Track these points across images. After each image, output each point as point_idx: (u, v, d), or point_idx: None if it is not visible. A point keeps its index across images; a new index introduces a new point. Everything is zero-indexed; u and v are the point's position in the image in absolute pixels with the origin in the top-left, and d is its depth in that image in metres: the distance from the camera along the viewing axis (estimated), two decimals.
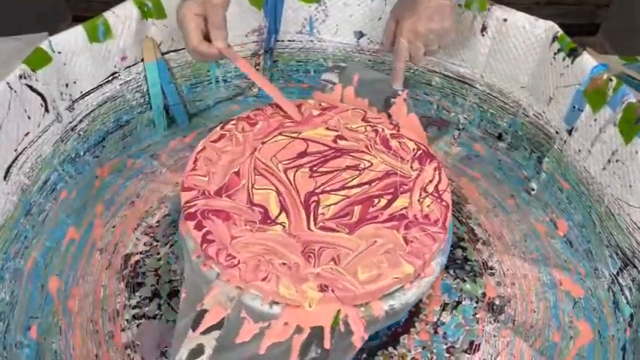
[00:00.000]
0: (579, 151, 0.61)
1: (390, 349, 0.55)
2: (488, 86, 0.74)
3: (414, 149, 0.59)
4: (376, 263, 0.48)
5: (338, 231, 0.50)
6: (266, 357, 0.45)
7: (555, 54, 0.63)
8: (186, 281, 0.50)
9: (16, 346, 0.51)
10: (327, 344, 0.45)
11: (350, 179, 0.55)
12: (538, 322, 0.57)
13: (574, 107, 0.61)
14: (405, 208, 0.53)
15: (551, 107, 0.66)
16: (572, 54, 0.61)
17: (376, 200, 0.53)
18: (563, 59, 0.62)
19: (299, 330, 0.45)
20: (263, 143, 0.59)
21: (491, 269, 0.62)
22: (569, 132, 0.63)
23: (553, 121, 0.66)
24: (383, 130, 0.61)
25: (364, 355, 0.54)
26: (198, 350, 0.44)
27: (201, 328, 0.45)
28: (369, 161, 0.58)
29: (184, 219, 0.51)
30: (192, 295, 0.48)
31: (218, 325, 0.45)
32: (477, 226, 0.67)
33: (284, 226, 0.51)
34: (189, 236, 0.51)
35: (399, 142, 0.60)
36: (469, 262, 0.63)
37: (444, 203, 0.54)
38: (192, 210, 0.51)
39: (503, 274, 0.62)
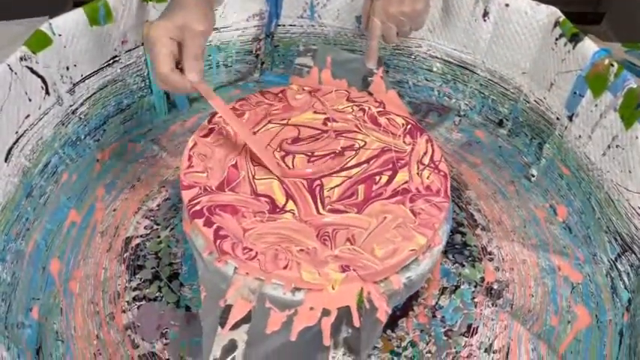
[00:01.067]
0: (579, 136, 0.61)
1: (389, 331, 0.55)
2: (489, 72, 0.73)
3: (403, 124, 0.60)
4: (390, 238, 0.49)
5: (347, 212, 0.51)
6: (299, 343, 0.45)
7: (557, 39, 0.63)
8: (202, 279, 0.50)
9: (18, 326, 0.52)
10: (356, 322, 0.46)
11: (348, 159, 0.55)
12: (536, 306, 0.58)
13: (575, 93, 0.61)
14: (406, 182, 0.54)
15: (552, 93, 0.65)
16: (574, 39, 0.61)
17: (377, 177, 0.54)
18: (565, 44, 0.62)
19: (326, 313, 0.46)
20: (255, 133, 0.58)
21: (490, 254, 0.63)
22: (570, 118, 0.63)
23: (554, 107, 0.66)
24: (369, 108, 0.62)
25: None
26: (231, 346, 0.44)
27: (230, 323, 0.45)
28: (362, 140, 0.58)
29: (190, 217, 0.50)
30: (212, 292, 0.48)
31: (246, 319, 0.46)
32: (477, 211, 0.67)
33: (294, 213, 0.51)
34: (197, 234, 0.50)
35: (387, 119, 0.60)
36: (468, 248, 0.63)
37: (442, 173, 0.55)
38: (197, 207, 0.51)
39: (502, 259, 0.62)
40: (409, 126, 0.60)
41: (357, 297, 0.47)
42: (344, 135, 0.58)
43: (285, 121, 0.60)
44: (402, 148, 0.57)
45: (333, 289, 0.47)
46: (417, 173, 0.55)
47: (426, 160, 0.56)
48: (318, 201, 0.52)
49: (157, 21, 0.49)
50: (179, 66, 0.50)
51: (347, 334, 0.45)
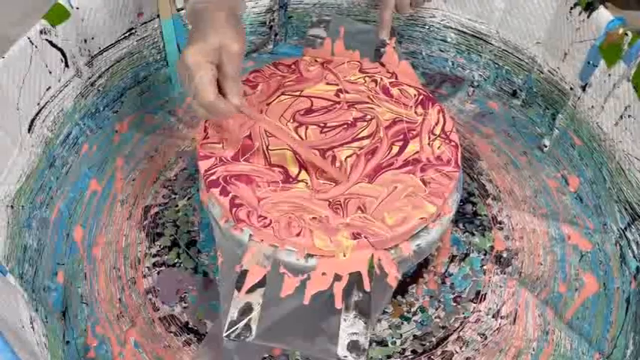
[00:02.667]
0: (592, 107, 0.61)
1: (399, 297, 0.57)
2: (503, 42, 0.73)
3: (415, 95, 0.60)
4: (401, 207, 0.50)
5: (359, 182, 0.52)
6: (312, 306, 0.47)
7: (572, 8, 0.62)
8: (219, 246, 0.52)
9: (44, 289, 0.54)
10: (367, 287, 0.48)
11: (360, 130, 0.56)
12: (544, 274, 0.59)
13: (589, 63, 0.61)
14: (417, 152, 0.54)
15: (566, 63, 0.65)
16: (589, 8, 0.60)
17: (388, 148, 0.55)
18: (580, 14, 0.61)
19: (338, 278, 0.48)
20: (268, 105, 0.59)
21: (500, 223, 0.64)
22: (583, 88, 0.62)
23: (568, 77, 0.66)
24: (382, 79, 0.62)
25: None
26: (247, 308, 0.46)
27: (246, 287, 0.47)
28: (374, 111, 0.59)
29: (207, 187, 0.52)
30: (228, 258, 0.50)
31: (261, 283, 0.48)
32: (488, 182, 0.68)
33: (307, 183, 0.52)
34: (214, 203, 0.52)
35: (400, 90, 0.61)
36: (478, 217, 0.64)
37: (453, 143, 0.56)
38: (214, 177, 0.52)
39: (512, 228, 0.63)
40: (421, 97, 0.60)
41: (368, 263, 0.48)
42: (356, 106, 0.59)
43: (298, 93, 0.60)
44: (414, 119, 0.58)
45: (345, 255, 0.48)
46: (428, 143, 0.55)
47: (438, 131, 0.57)
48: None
49: (191, 46, 0.46)
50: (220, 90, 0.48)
51: (358, 298, 0.47)
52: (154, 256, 0.61)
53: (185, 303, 0.57)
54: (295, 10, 0.81)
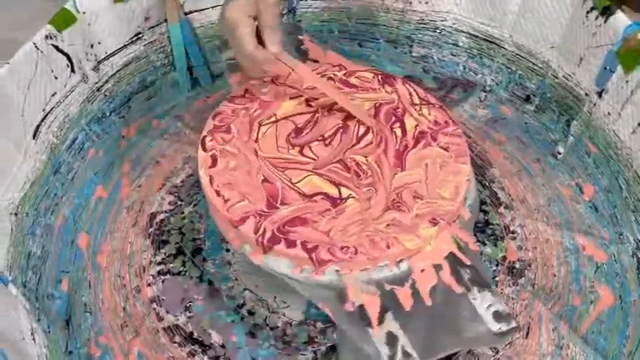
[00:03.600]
0: (609, 114, 0.60)
1: None
2: (517, 46, 0.71)
3: (373, 77, 0.60)
4: (445, 178, 0.52)
5: (395, 173, 0.52)
6: (437, 303, 0.47)
7: (588, 12, 0.61)
8: (314, 297, 0.48)
9: (48, 297, 0.54)
10: (467, 261, 0.49)
11: (356, 128, 0.56)
12: (558, 286, 0.57)
13: (605, 68, 0.59)
14: (417, 125, 0.55)
15: (582, 68, 0.64)
16: (606, 12, 0.58)
17: (393, 133, 0.56)
18: (596, 18, 0.60)
19: (438, 267, 0.48)
20: (256, 141, 0.55)
21: (512, 233, 0.62)
22: (600, 94, 0.61)
23: (583, 82, 0.64)
24: (334, 74, 0.61)
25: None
26: (391, 337, 0.45)
27: (375, 320, 0.46)
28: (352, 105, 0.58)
29: (267, 247, 0.48)
30: (333, 305, 0.47)
31: (383, 309, 0.47)
32: (500, 189, 0.66)
33: (354, 197, 0.51)
34: (278, 259, 0.48)
35: (357, 77, 0.60)
36: (490, 226, 0.63)
37: (437, 105, 0.58)
38: (268, 235, 0.48)
39: (525, 238, 0.61)
40: (379, 76, 0.61)
41: (454, 241, 0.50)
42: (334, 108, 0.58)
43: (273, 119, 0.57)
44: (390, 99, 0.58)
45: (430, 245, 0.49)
46: (419, 114, 0.56)
47: (416, 100, 0.58)
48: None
49: (229, 2, 0.50)
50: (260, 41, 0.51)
51: (469, 275, 0.48)
52: (159, 264, 0.60)
53: (190, 312, 0.56)
54: (304, 14, 0.80)
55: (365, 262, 0.47)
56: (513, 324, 0.47)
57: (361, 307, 0.46)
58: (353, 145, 0.55)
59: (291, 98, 0.59)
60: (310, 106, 0.58)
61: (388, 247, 0.47)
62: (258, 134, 0.56)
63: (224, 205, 0.50)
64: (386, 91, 0.59)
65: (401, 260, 0.48)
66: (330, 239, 0.48)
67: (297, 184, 0.52)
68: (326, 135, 0.56)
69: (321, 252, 0.47)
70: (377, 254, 0.47)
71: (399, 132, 0.55)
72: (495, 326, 0.46)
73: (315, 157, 0.54)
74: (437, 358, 0.46)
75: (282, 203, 0.50)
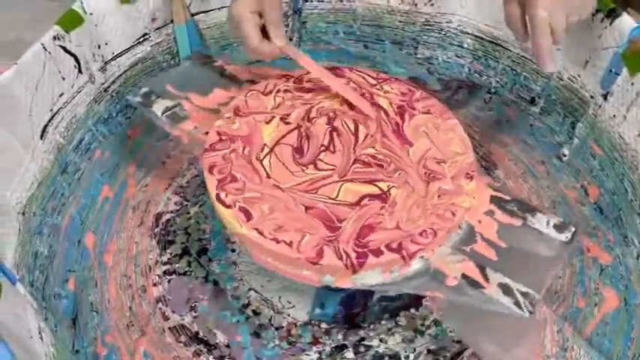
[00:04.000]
0: (614, 116, 0.60)
1: (413, 310, 0.56)
2: (522, 48, 0.72)
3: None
4: (447, 137, 0.56)
5: (407, 150, 0.55)
6: (510, 243, 0.50)
7: (593, 15, 0.61)
8: (414, 290, 0.48)
9: (55, 297, 0.54)
10: (507, 197, 0.53)
11: (345, 129, 0.56)
12: (563, 287, 0.57)
13: (611, 71, 0.59)
14: (390, 102, 0.59)
15: (587, 70, 0.64)
16: (611, 15, 0.58)
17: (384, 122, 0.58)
18: (602, 20, 0.60)
19: (490, 213, 0.52)
20: (269, 177, 0.52)
21: None
22: (605, 96, 0.61)
23: (588, 85, 0.64)
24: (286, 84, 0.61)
25: (386, 315, 0.55)
26: (504, 286, 0.47)
27: (483, 280, 0.48)
28: (327, 106, 0.59)
29: (356, 269, 0.47)
30: (434, 287, 0.48)
31: (481, 268, 0.48)
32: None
33: (394, 186, 0.51)
34: (369, 272, 0.47)
35: (309, 81, 0.61)
36: None
37: (390, 79, 0.62)
38: (353, 255, 0.46)
39: None
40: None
41: (487, 186, 0.54)
42: (310, 118, 0.57)
43: (266, 149, 0.54)
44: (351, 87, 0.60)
45: (474, 198, 0.51)
46: (385, 92, 0.60)
47: (372, 81, 0.61)
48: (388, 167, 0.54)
49: (235, 0, 0.53)
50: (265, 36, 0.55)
51: (516, 207, 0.52)
52: (165, 264, 0.60)
53: (195, 312, 0.56)
54: (310, 16, 0.80)
55: (445, 237, 0.49)
56: (572, 228, 0.51)
57: (463, 275, 0.47)
58: (355, 143, 0.55)
59: (266, 123, 0.56)
60: (289, 122, 0.56)
61: (453, 214, 0.49)
62: (265, 170, 0.53)
63: (291, 248, 0.47)
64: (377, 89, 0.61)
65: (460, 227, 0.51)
66: (405, 231, 0.48)
67: (338, 198, 0.51)
68: (325, 143, 0.55)
69: (407, 246, 0.47)
70: (449, 225, 0.49)
71: (381, 113, 0.57)
72: (562, 236, 0.50)
73: (333, 166, 0.53)
74: (546, 287, 0.48)
75: (339, 221, 0.49)
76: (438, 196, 0.51)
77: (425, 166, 0.53)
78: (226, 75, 0.64)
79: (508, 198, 0.53)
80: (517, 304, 0.46)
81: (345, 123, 0.56)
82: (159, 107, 0.59)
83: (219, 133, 0.55)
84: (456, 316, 0.52)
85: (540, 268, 0.49)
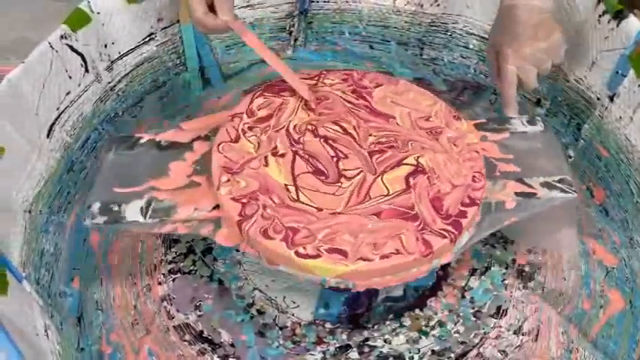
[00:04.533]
0: (620, 118, 0.60)
1: (417, 310, 0.56)
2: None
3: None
4: (412, 96, 0.60)
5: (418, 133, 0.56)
6: (518, 156, 0.55)
7: (600, 16, 0.61)
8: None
9: (60, 295, 0.54)
10: (493, 126, 0.59)
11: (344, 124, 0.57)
12: (568, 289, 0.57)
13: (617, 72, 0.59)
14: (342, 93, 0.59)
15: (594, 72, 0.63)
16: (618, 16, 0.58)
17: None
18: (609, 22, 0.59)
19: (484, 138, 0.57)
20: (300, 201, 0.50)
21: None
22: (611, 98, 0.61)
23: (594, 86, 0.64)
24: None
25: (391, 316, 0.55)
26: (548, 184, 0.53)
27: None
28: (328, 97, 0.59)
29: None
30: None
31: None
32: None
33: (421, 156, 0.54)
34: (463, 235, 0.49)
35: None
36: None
37: (333, 71, 0.63)
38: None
39: None
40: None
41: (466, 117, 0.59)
42: (298, 140, 0.55)
43: (292, 190, 0.51)
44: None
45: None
46: (331, 85, 0.60)
47: (312, 81, 0.61)
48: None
49: None
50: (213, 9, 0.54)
51: (495, 125, 0.59)
52: (170, 262, 0.60)
53: (200, 311, 0.56)
54: (316, 16, 0.80)
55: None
56: (539, 118, 0.59)
57: (515, 194, 0.52)
58: (354, 140, 0.55)
59: (265, 166, 0.52)
60: (283, 154, 0.53)
61: (477, 152, 0.54)
62: (310, 205, 0.49)
63: (404, 254, 0.46)
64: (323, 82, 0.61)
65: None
66: (462, 185, 0.51)
67: (391, 191, 0.50)
68: (332, 153, 0.54)
69: (474, 195, 0.51)
70: (481, 161, 0.54)
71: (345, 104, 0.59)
72: (538, 127, 0.58)
73: (358, 168, 0.52)
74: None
75: (411, 209, 0.49)
76: (455, 145, 0.55)
77: (420, 127, 0.56)
78: (165, 146, 0.56)
79: (485, 120, 0.59)
80: (563, 191, 0.52)
81: (330, 128, 0.56)
82: (132, 213, 0.50)
83: (237, 200, 0.49)
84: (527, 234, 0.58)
85: (549, 156, 0.55)
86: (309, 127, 0.56)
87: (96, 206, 0.51)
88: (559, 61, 0.61)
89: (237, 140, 0.54)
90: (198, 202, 0.51)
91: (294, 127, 0.56)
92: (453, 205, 0.49)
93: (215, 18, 0.54)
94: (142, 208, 0.50)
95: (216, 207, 0.51)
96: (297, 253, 0.46)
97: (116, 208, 0.50)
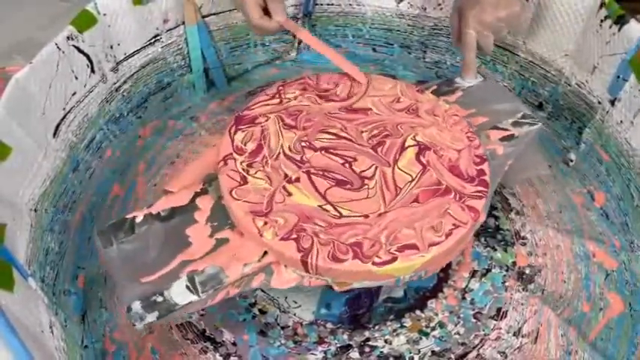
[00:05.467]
0: (621, 122, 0.60)
1: (418, 312, 0.56)
2: (530, 54, 0.72)
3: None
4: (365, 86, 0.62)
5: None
6: (478, 109, 0.61)
7: (602, 21, 0.61)
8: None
9: (65, 293, 0.55)
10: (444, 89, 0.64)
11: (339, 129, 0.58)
12: (568, 292, 0.57)
13: (618, 77, 0.60)
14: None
15: (595, 76, 0.64)
16: (620, 21, 0.59)
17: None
18: (610, 27, 0.60)
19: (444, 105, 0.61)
20: (343, 216, 0.50)
21: (523, 239, 0.62)
22: (612, 102, 0.61)
23: (596, 90, 0.64)
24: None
25: (391, 317, 0.56)
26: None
27: None
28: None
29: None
30: None
31: None
32: (511, 195, 0.67)
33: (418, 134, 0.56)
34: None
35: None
36: (501, 231, 0.63)
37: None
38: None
39: (536, 244, 0.62)
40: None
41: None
42: (303, 160, 0.54)
43: (329, 208, 0.51)
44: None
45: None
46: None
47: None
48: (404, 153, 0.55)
49: None
50: (266, 12, 0.58)
51: (445, 87, 0.64)
52: None
53: (203, 310, 0.57)
54: (319, 18, 0.81)
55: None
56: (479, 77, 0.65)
57: (500, 140, 0.58)
58: (352, 140, 0.56)
59: (290, 195, 0.51)
60: (297, 178, 0.52)
61: (456, 115, 0.59)
62: (353, 216, 0.49)
63: (468, 224, 0.49)
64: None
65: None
66: (470, 145, 0.56)
67: (414, 177, 0.53)
68: (340, 161, 0.54)
69: (482, 148, 0.56)
70: (465, 120, 0.58)
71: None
72: (480, 79, 0.65)
73: (373, 165, 0.54)
74: None
75: (440, 184, 0.52)
76: (435, 115, 0.58)
77: (398, 110, 0.59)
78: (167, 216, 0.52)
79: (435, 86, 0.64)
80: (530, 124, 0.59)
81: (322, 138, 0.56)
82: (182, 296, 0.46)
83: (286, 239, 0.48)
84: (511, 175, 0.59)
85: (502, 99, 0.62)
86: (303, 144, 0.55)
87: (137, 305, 0.45)
88: (517, 32, 0.65)
89: (245, 181, 0.52)
90: (242, 256, 0.48)
91: (289, 148, 0.55)
92: (469, 167, 0.53)
93: (270, 20, 0.57)
94: (187, 286, 0.46)
95: (264, 254, 0.48)
96: (374, 264, 0.46)
97: (160, 299, 0.46)
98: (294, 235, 0.48)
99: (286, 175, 0.52)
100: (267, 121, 0.58)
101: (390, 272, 0.47)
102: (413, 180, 0.52)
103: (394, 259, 0.46)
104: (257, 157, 0.54)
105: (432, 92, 0.62)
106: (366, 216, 0.49)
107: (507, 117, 0.60)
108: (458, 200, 0.51)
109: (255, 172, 0.53)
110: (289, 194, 0.51)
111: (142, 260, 0.48)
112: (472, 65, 0.64)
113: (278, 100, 0.60)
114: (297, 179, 0.52)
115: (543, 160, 0.67)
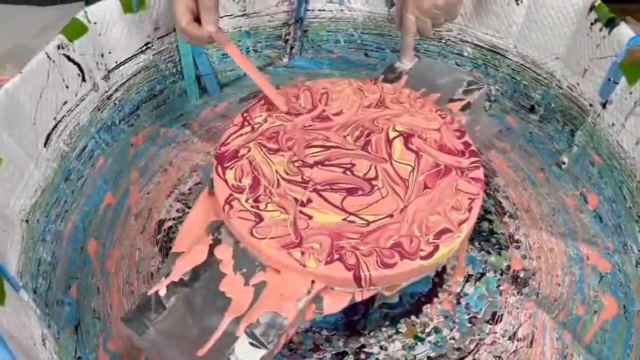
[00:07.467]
0: (613, 124, 0.60)
1: (413, 317, 0.56)
2: (521, 57, 0.72)
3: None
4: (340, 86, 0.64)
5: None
6: (430, 88, 0.65)
7: (592, 24, 0.61)
8: None
9: (58, 303, 0.54)
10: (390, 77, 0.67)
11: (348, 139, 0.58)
12: (562, 295, 0.58)
13: (609, 80, 0.60)
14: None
15: (586, 79, 0.64)
16: (610, 24, 0.59)
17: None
18: (600, 30, 0.60)
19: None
20: (368, 225, 0.49)
21: (517, 242, 0.62)
22: (604, 105, 0.61)
23: (587, 93, 0.65)
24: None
25: (387, 322, 0.56)
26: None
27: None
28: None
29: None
30: None
31: None
32: (505, 199, 0.67)
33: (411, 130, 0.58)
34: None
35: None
36: (495, 235, 0.63)
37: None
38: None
39: (530, 247, 0.62)
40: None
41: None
42: (305, 179, 0.54)
43: (352, 218, 0.50)
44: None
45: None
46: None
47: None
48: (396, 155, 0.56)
49: None
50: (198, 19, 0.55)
51: (391, 75, 0.67)
52: None
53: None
54: (311, 24, 0.81)
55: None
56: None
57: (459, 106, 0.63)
58: (345, 147, 0.56)
59: (311, 218, 0.50)
60: (309, 200, 0.51)
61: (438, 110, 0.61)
62: (375, 222, 0.50)
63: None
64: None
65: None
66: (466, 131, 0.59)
67: (420, 168, 0.54)
68: (339, 171, 0.54)
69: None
70: (441, 112, 0.61)
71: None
72: (416, 59, 0.68)
73: (371, 163, 0.55)
74: None
75: (447, 170, 0.55)
76: (400, 102, 0.61)
77: (367, 106, 0.60)
78: (191, 279, 0.48)
79: (382, 75, 0.66)
80: (478, 89, 0.64)
81: (311, 153, 0.55)
82: (249, 354, 0.43)
83: (330, 262, 0.47)
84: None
85: (445, 72, 0.67)
86: (296, 164, 0.54)
87: None
88: (452, 19, 0.67)
89: (261, 218, 0.49)
90: (291, 293, 0.46)
91: (286, 172, 0.54)
92: (455, 143, 0.56)
93: (199, 28, 0.55)
94: (251, 343, 0.44)
95: (311, 284, 0.47)
96: (422, 258, 0.47)
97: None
98: (337, 255, 0.47)
99: (297, 200, 0.51)
100: (249, 151, 0.55)
101: (438, 261, 0.48)
102: (414, 169, 0.54)
103: (436, 247, 0.48)
104: (258, 190, 0.52)
105: (383, 81, 0.65)
106: (391, 215, 0.50)
107: (456, 87, 0.64)
108: (461, 176, 0.53)
109: (266, 206, 0.50)
110: (310, 217, 0.50)
111: (188, 333, 0.45)
112: (409, 48, 0.67)
113: (249, 128, 0.58)
114: (309, 200, 0.51)
115: (489, 119, 0.74)
